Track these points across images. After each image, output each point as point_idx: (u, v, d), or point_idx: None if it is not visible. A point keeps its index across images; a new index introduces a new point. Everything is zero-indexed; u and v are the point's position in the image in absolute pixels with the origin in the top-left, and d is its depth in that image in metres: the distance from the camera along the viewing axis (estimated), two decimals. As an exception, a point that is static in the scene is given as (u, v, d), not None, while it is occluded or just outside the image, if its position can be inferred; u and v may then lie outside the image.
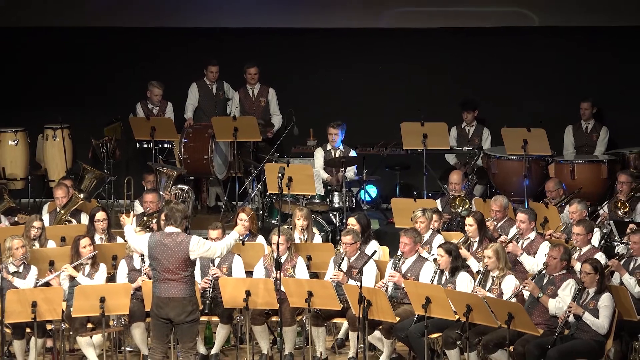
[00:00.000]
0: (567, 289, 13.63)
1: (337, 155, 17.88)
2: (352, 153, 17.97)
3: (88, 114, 19.20)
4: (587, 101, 18.16)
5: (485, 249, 14.30)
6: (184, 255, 12.98)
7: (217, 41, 19.47)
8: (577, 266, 14.04)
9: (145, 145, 18.59)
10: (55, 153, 19.08)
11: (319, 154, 18.03)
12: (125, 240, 15.24)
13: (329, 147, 18.00)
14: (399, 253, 14.66)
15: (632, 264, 14.23)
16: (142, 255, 14.53)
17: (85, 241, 14.87)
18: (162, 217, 14.27)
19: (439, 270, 14.30)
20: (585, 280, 13.49)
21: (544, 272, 13.90)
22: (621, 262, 14.26)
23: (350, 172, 17.85)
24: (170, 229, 13.14)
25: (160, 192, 17.14)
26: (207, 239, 14.00)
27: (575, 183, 17.24)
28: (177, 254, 13.00)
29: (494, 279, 14.06)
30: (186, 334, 13.24)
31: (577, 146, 18.21)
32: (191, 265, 13.11)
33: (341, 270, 14.67)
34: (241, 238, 15.38)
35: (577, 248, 14.62)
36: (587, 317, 13.35)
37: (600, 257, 14.23)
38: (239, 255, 15.11)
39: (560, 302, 13.54)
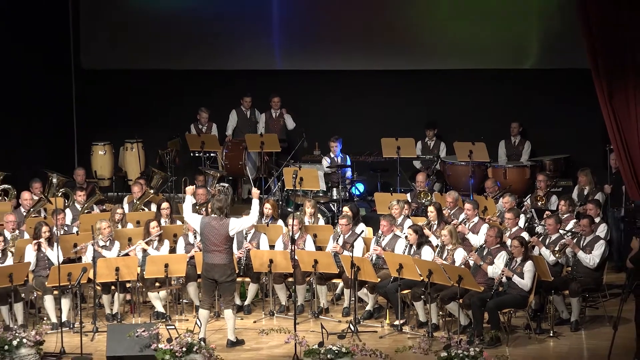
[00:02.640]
0: (501, 258, 13.64)
1: (338, 161, 17.86)
2: (348, 161, 17.94)
3: (156, 132, 19.09)
4: (515, 122, 18.14)
5: (442, 229, 14.31)
6: (226, 232, 13.08)
7: (249, 79, 19.33)
8: (508, 242, 14.04)
9: (197, 155, 18.50)
10: (132, 160, 19.05)
11: (325, 162, 17.98)
12: (182, 223, 15.31)
13: (332, 155, 17.97)
14: (379, 232, 14.65)
15: (547, 240, 14.26)
16: (195, 232, 14.56)
17: (154, 224, 14.89)
18: (209, 206, 14.33)
19: (409, 245, 14.29)
20: (514, 251, 13.51)
21: (484, 246, 13.91)
22: (540, 239, 14.28)
23: (347, 172, 17.88)
24: (215, 214, 13.23)
25: (208, 188, 17.15)
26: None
27: (507, 182, 17.15)
28: (221, 232, 13.09)
29: (449, 251, 14.04)
30: (227, 290, 13.32)
31: (507, 155, 18.15)
32: (230, 240, 13.22)
33: (338, 244, 14.69)
34: (266, 221, 15.48)
35: (508, 229, 14.63)
36: (516, 279, 13.38)
37: (525, 235, 14.23)
38: (265, 234, 15.08)
39: (496, 268, 13.54)
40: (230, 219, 13.26)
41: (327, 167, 17.83)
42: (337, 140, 17.87)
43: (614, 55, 12.84)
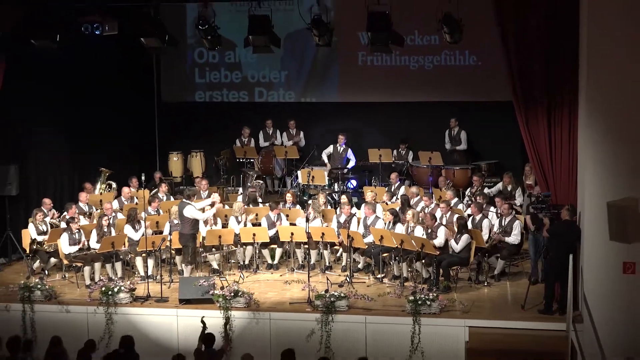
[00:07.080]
0: (441, 232, 13.66)
1: (341, 151, 17.67)
2: (349, 152, 17.82)
3: (213, 144, 19.00)
4: (453, 117, 17.75)
5: (406, 213, 14.25)
6: None
7: (273, 108, 19.26)
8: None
9: (241, 160, 18.48)
10: (196, 164, 18.94)
11: (328, 149, 17.80)
12: (230, 207, 15.30)
13: (337, 145, 17.75)
14: (364, 215, 14.68)
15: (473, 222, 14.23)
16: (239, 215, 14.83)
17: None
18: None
19: (387, 222, 14.35)
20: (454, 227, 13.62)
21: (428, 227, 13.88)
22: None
23: (352, 161, 17.78)
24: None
25: (249, 184, 17.24)
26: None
27: (455, 179, 17.08)
28: None
29: (411, 228, 14.01)
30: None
31: (450, 139, 17.90)
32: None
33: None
34: (288, 206, 15.52)
35: (443, 215, 14.49)
36: (453, 245, 13.50)
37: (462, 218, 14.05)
38: (287, 215, 15.17)
39: (439, 240, 13.53)
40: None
41: (325, 154, 17.63)
42: (344, 134, 17.71)
43: (528, 91, 12.89)
